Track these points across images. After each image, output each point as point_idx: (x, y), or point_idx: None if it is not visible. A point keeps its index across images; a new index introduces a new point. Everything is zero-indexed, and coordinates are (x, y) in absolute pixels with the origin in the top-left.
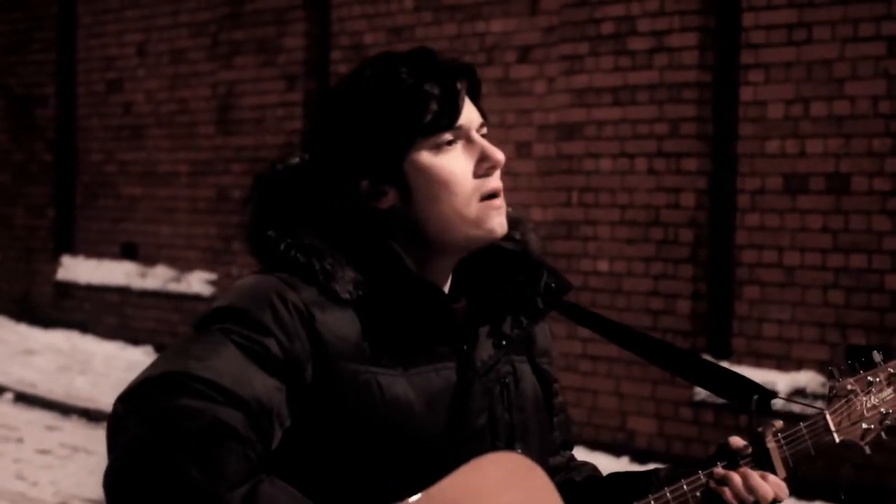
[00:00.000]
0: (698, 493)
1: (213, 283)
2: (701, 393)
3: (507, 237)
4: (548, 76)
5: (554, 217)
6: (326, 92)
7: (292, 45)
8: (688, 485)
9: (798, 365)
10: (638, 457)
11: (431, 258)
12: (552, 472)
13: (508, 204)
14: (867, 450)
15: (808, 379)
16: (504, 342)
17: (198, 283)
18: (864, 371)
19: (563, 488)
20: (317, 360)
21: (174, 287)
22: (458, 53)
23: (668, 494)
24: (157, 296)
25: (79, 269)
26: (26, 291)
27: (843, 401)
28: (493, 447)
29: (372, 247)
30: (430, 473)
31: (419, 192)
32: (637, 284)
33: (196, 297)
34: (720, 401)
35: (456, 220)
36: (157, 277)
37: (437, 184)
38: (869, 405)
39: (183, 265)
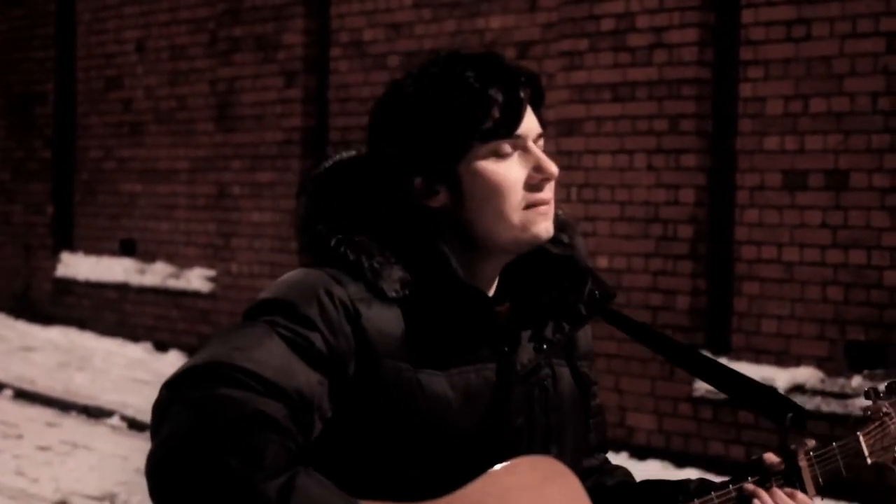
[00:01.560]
0: None
1: (212, 279)
2: (700, 389)
3: (555, 240)
4: (547, 72)
5: None
6: (390, 85)
7: (291, 42)
8: (718, 497)
9: (797, 361)
10: (637, 453)
11: (478, 260)
12: (585, 474)
13: (558, 208)
14: None
15: (807, 375)
16: (545, 346)
17: (197, 279)
18: None
19: (594, 492)
20: (360, 356)
21: (173, 283)
22: (458, 47)
23: None
24: (156, 292)
25: (78, 266)
26: (26, 288)
27: (876, 423)
28: (529, 448)
29: (421, 247)
30: (466, 472)
31: (471, 194)
32: (636, 280)
33: (195, 294)
34: (719, 397)
35: (502, 224)
36: (157, 274)
37: (489, 189)
38: None
39: (182, 262)
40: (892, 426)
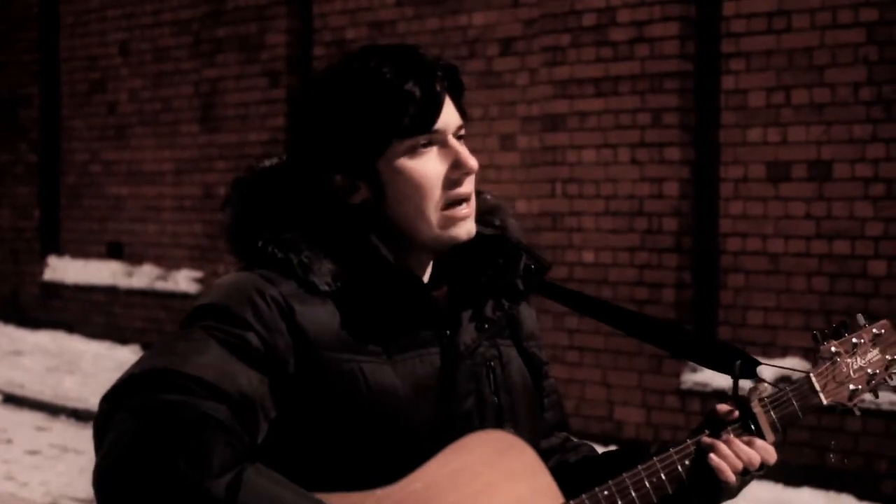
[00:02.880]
0: (687, 462)
1: (199, 280)
2: (687, 381)
3: (487, 223)
4: (530, 68)
5: (539, 209)
6: (309, 81)
7: (274, 42)
8: (676, 453)
9: (783, 352)
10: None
11: (408, 250)
12: (546, 454)
13: (487, 192)
14: (856, 411)
15: (793, 365)
16: (486, 325)
17: (185, 281)
18: (849, 334)
19: (560, 467)
20: (299, 352)
21: (161, 285)
22: (441, 47)
23: (657, 464)
24: (143, 294)
25: (65, 270)
26: (13, 292)
27: (828, 363)
28: (482, 429)
29: (348, 238)
30: (420, 459)
31: (391, 191)
32: (622, 274)
33: (183, 296)
34: (707, 389)
35: (423, 222)
36: (144, 276)
37: (408, 186)
38: (855, 366)
39: (169, 263)
40: (843, 364)
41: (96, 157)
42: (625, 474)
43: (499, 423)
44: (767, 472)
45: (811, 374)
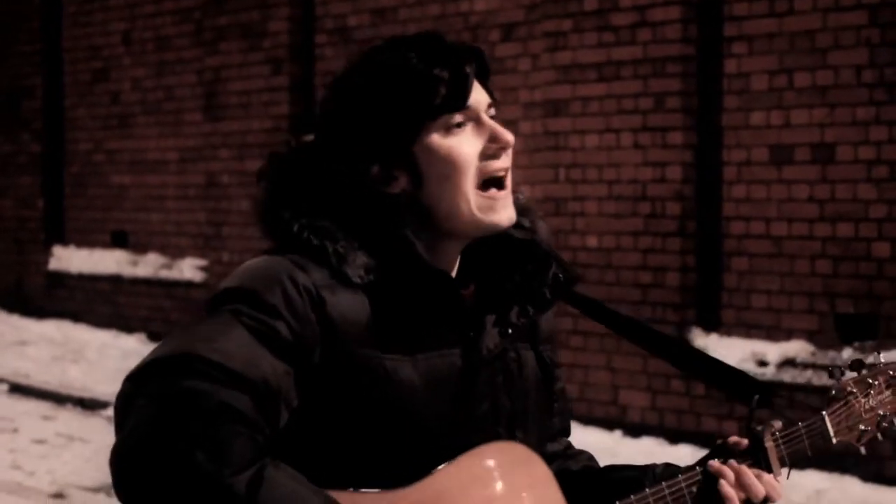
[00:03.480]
0: (694, 488)
1: (204, 269)
2: None
3: (517, 225)
4: (532, 53)
5: (542, 194)
6: (336, 77)
7: (277, 30)
8: (684, 480)
9: (788, 335)
10: (631, 430)
11: (440, 243)
12: (549, 458)
13: (517, 191)
14: (862, 450)
15: (797, 348)
16: (510, 331)
17: (189, 269)
18: (864, 373)
19: (559, 477)
20: (326, 344)
21: (166, 274)
22: (444, 31)
23: (665, 490)
24: (148, 283)
25: (70, 259)
26: (18, 282)
27: (841, 402)
28: (495, 434)
29: (384, 232)
30: (433, 457)
31: (429, 173)
32: (626, 259)
33: (188, 284)
34: None
35: (463, 202)
36: (149, 265)
37: (446, 164)
38: (867, 407)
39: (174, 252)
40: (856, 405)
41: (100, 147)
42: (632, 496)
43: (510, 429)
44: None
45: (825, 414)
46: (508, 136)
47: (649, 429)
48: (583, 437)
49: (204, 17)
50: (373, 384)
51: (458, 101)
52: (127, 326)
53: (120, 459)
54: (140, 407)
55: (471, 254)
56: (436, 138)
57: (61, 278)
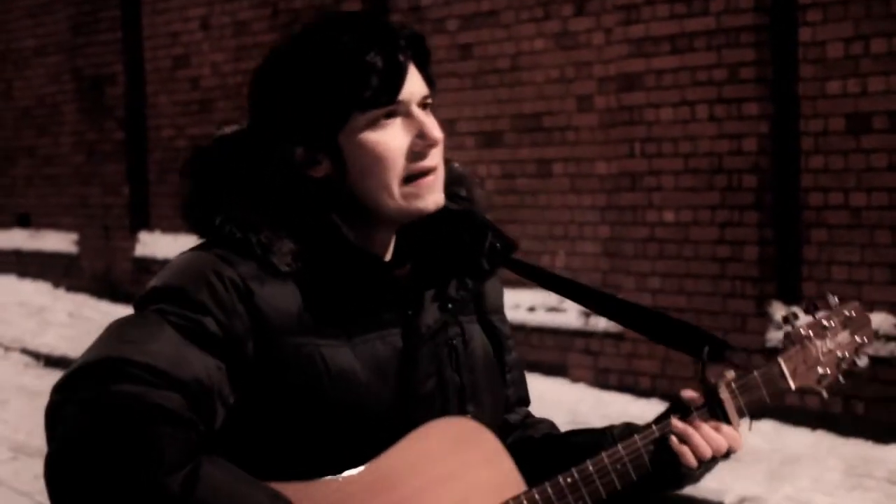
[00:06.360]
0: (651, 447)
1: None
2: None
3: (453, 194)
4: (605, 27)
5: (618, 169)
6: (268, 54)
7: (352, 10)
8: (641, 439)
9: (869, 307)
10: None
11: (370, 227)
12: (507, 429)
13: (454, 160)
14: (825, 394)
15: (879, 320)
16: (450, 305)
17: None
18: (819, 315)
19: (519, 446)
20: (258, 336)
21: None
22: (515, 10)
23: (621, 450)
24: None
25: (156, 245)
26: (107, 269)
27: (797, 346)
28: (444, 411)
29: (309, 216)
30: (382, 442)
31: (353, 164)
32: (703, 233)
33: None
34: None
35: (386, 195)
36: None
37: (370, 159)
38: (825, 349)
39: None
40: (812, 348)
41: (181, 133)
42: (588, 461)
43: (461, 404)
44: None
45: (780, 359)
46: (437, 134)
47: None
48: (547, 418)
49: (280, 1)
50: (311, 372)
51: (389, 94)
52: None
53: (52, 469)
54: (69, 415)
55: (408, 232)
56: (361, 130)
57: (148, 264)
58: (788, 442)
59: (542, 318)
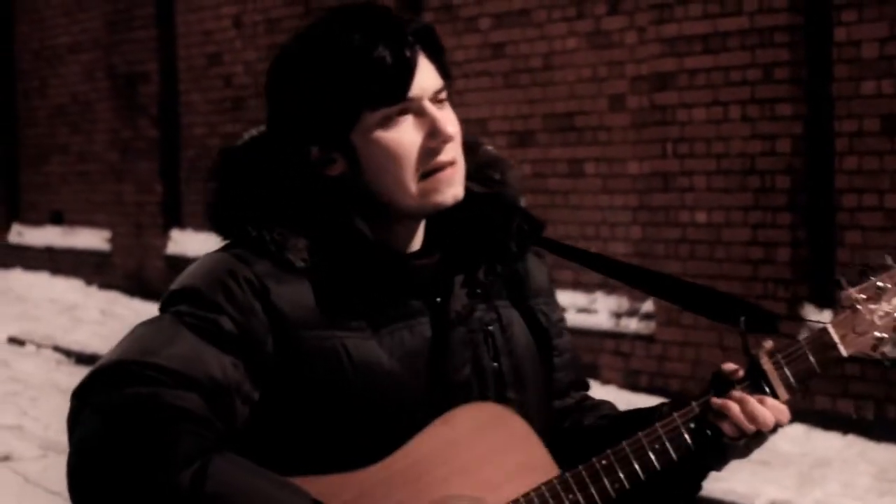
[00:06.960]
0: (692, 425)
1: None
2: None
3: (486, 178)
4: (638, 26)
5: (650, 169)
6: (277, 53)
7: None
8: (680, 417)
9: None
10: None
11: (389, 222)
12: (560, 415)
13: (488, 145)
14: (886, 362)
15: None
16: (479, 290)
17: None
18: (873, 278)
19: (569, 433)
20: (277, 332)
21: None
22: (548, 8)
23: (659, 430)
24: None
25: (188, 243)
26: (139, 266)
27: (847, 311)
28: (483, 398)
29: (325, 213)
30: (413, 431)
31: (367, 163)
32: (736, 234)
33: None
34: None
35: (402, 192)
36: None
37: (384, 157)
38: (880, 313)
39: None
40: (867, 311)
41: (214, 131)
42: (624, 442)
43: (501, 390)
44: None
45: (828, 325)
46: (450, 130)
47: None
48: (608, 400)
49: None
50: (334, 365)
51: (398, 92)
52: None
53: (70, 472)
54: (85, 419)
55: (439, 218)
56: (374, 129)
57: (179, 262)
58: (819, 446)
59: (572, 320)
